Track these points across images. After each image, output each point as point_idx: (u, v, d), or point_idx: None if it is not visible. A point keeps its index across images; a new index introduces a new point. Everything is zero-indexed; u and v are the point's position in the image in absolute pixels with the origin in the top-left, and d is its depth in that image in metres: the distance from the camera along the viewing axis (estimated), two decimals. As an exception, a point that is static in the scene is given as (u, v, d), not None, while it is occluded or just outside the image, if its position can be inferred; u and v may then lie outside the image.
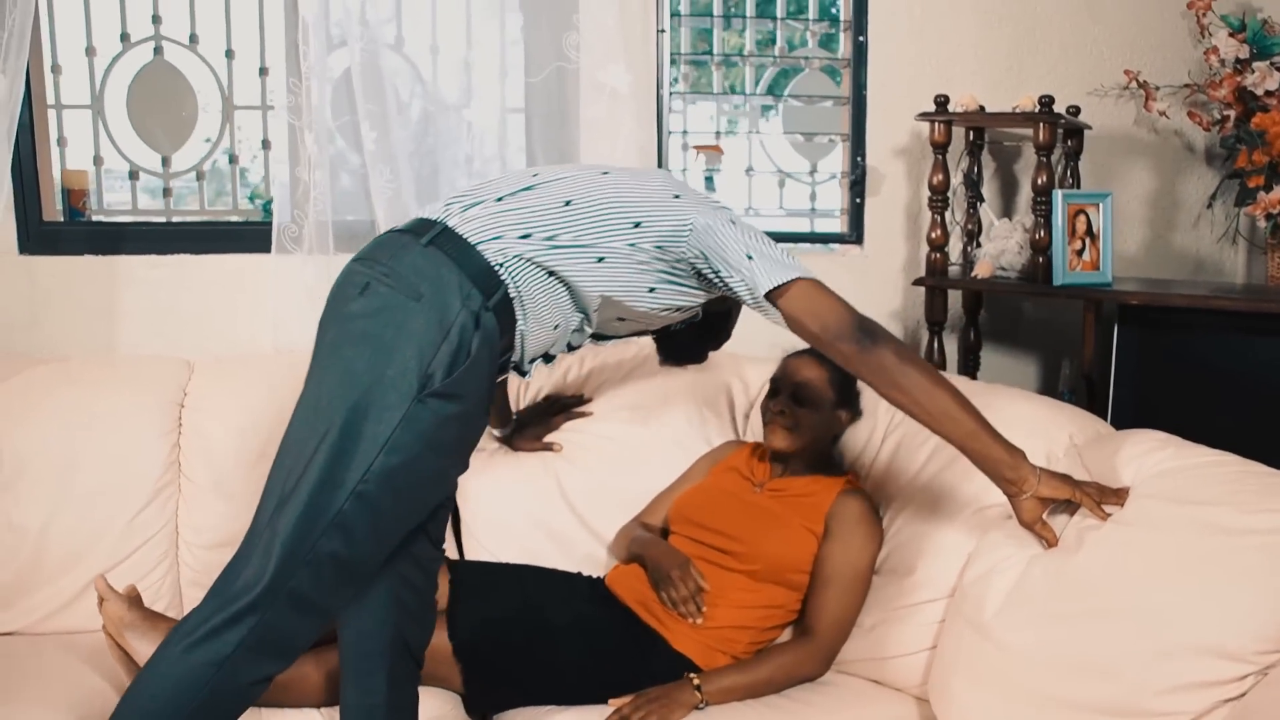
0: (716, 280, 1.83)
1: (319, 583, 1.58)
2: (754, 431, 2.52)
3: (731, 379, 2.62)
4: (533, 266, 1.72)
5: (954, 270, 2.99)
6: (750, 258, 1.79)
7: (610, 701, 2.00)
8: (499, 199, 1.79)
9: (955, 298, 3.07)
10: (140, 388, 2.44)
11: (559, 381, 2.62)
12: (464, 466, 1.80)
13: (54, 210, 2.81)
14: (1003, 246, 2.86)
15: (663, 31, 2.96)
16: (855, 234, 3.12)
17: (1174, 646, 1.56)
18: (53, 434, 2.33)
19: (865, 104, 3.07)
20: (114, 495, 2.33)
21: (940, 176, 2.86)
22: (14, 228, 2.69)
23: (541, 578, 2.29)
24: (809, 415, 2.24)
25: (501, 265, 1.70)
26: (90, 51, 2.82)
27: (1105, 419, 2.59)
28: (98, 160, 2.87)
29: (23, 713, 1.87)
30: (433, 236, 1.70)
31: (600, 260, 1.78)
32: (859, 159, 3.09)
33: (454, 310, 1.62)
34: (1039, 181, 2.72)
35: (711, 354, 2.58)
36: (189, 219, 2.97)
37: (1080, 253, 2.72)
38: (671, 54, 3.02)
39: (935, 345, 2.95)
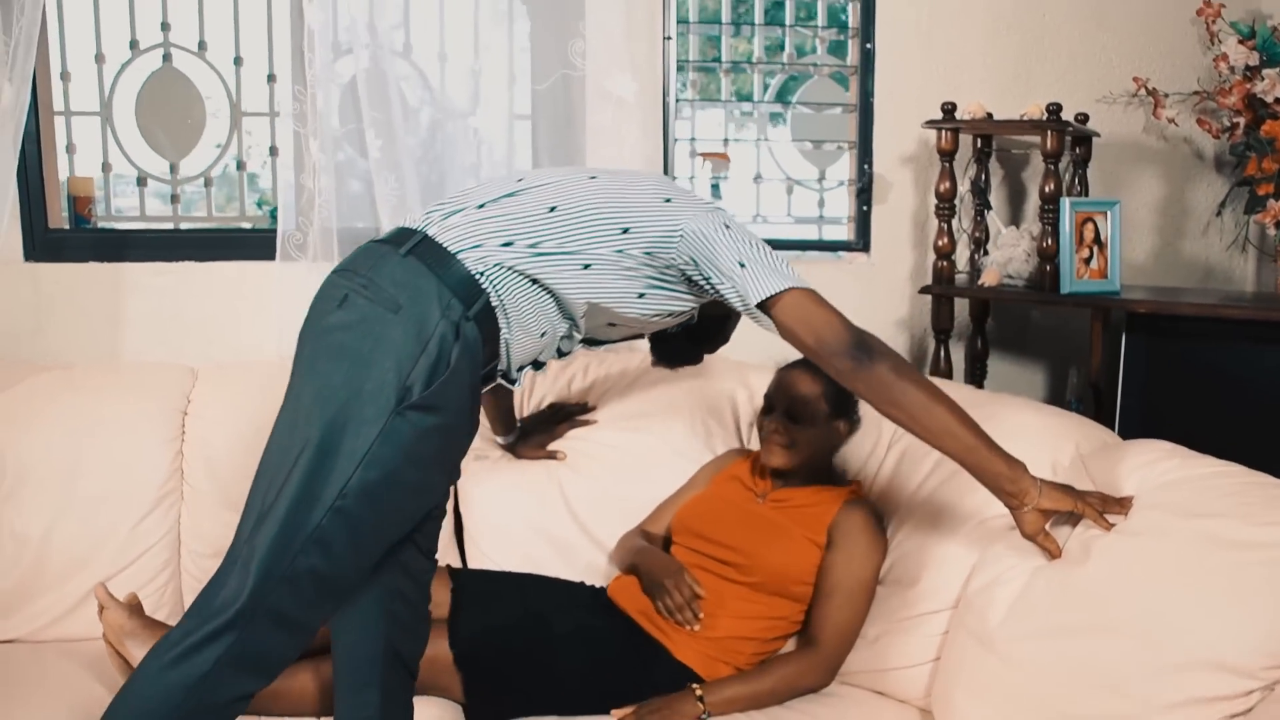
0: (707, 287, 1.81)
1: (298, 599, 1.56)
2: (758, 440, 2.50)
3: (736, 387, 2.61)
4: (515, 275, 1.70)
5: (961, 278, 2.98)
6: (743, 265, 1.76)
7: (612, 712, 2.00)
8: (480, 206, 1.77)
9: (962, 306, 3.05)
10: (144, 395, 2.44)
11: (563, 390, 2.61)
12: (453, 476, 1.78)
13: (59, 217, 2.82)
14: (1010, 254, 2.84)
15: (669, 39, 2.96)
16: (862, 241, 3.11)
17: (1179, 661, 1.55)
18: (56, 441, 2.33)
19: (872, 111, 3.06)
20: (116, 503, 2.32)
21: (947, 184, 2.85)
22: (19, 235, 2.70)
23: (543, 587, 2.28)
24: (805, 432, 2.21)
25: (482, 274, 1.67)
26: (99, 58, 2.83)
27: (1113, 428, 2.59)
28: (106, 167, 2.88)
29: (23, 720, 1.86)
30: (412, 246, 1.68)
31: (586, 267, 1.75)
32: (866, 166, 3.08)
33: (433, 321, 1.60)
34: (1047, 189, 2.71)
35: (716, 362, 2.58)
36: (195, 226, 2.97)
37: (1088, 261, 2.70)
38: (679, 61, 3.02)
39: (942, 353, 2.94)
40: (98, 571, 2.26)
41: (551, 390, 2.60)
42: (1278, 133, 2.72)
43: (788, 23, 3.15)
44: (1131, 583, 1.66)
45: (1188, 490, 1.77)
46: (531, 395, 2.59)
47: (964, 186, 2.98)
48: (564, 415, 2.54)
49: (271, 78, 2.88)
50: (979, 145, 3.00)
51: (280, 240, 2.65)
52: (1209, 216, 3.19)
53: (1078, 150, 2.96)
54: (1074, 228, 2.67)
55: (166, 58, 2.88)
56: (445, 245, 1.68)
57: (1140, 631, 1.60)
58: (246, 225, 2.99)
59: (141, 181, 2.91)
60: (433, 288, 1.62)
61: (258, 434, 2.33)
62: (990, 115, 2.83)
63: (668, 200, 1.83)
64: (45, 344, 2.71)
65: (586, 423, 2.53)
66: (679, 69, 3.03)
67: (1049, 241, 2.70)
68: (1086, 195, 2.96)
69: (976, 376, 3.04)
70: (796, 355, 2.14)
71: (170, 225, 2.96)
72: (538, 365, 1.85)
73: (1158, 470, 1.84)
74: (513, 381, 1.81)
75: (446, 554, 2.41)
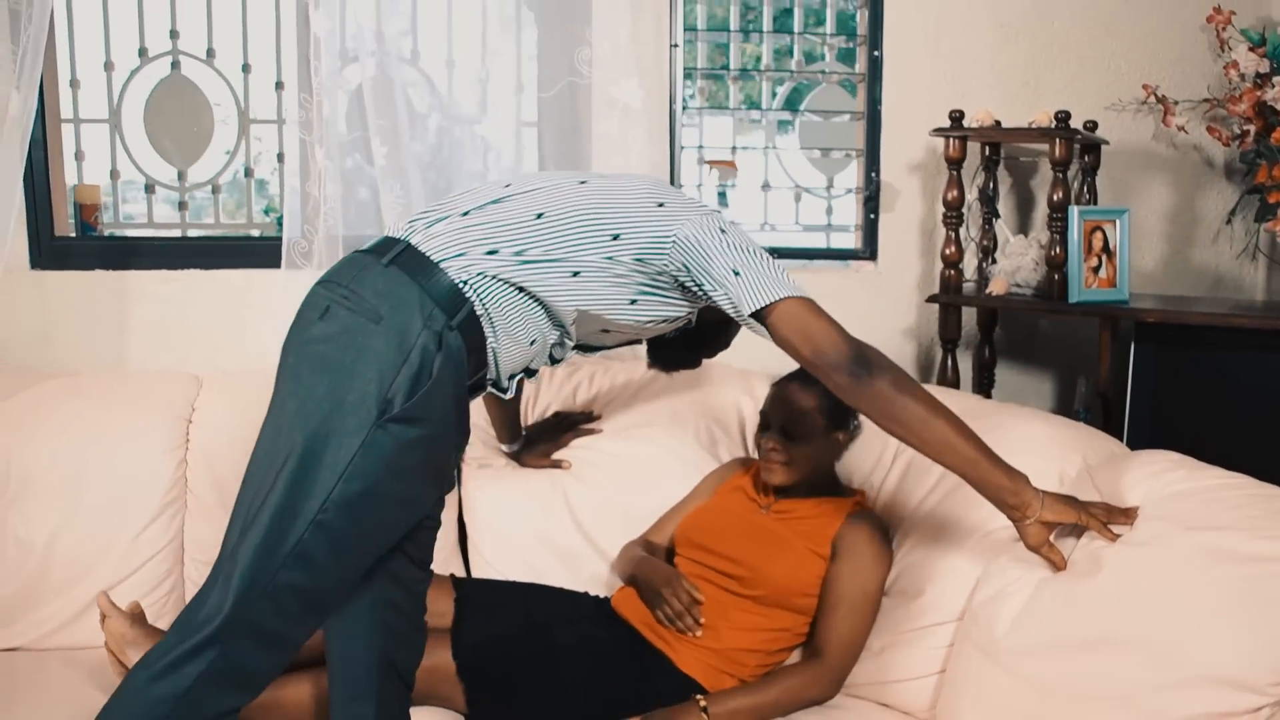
0: (700, 294, 1.78)
1: (281, 614, 1.55)
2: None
3: (741, 396, 2.60)
4: (500, 284, 1.68)
5: (969, 287, 2.96)
6: (737, 273, 1.73)
7: (616, 723, 1.99)
8: (465, 214, 1.74)
9: (970, 315, 3.04)
10: (148, 403, 2.44)
11: (568, 399, 2.60)
12: (443, 487, 1.76)
13: (66, 225, 2.83)
14: (1018, 263, 2.83)
15: (675, 46, 2.96)
16: (869, 250, 3.10)
17: (1187, 676, 1.53)
18: (60, 449, 2.33)
19: (880, 119, 3.05)
20: (120, 511, 2.32)
21: (955, 192, 2.84)
22: (26, 242, 2.70)
23: (547, 596, 2.27)
24: (802, 448, 2.19)
25: (466, 283, 1.65)
26: (109, 66, 2.84)
27: (1121, 438, 2.57)
28: (114, 174, 2.89)
29: (25, 729, 1.86)
30: (394, 256, 1.66)
31: (575, 274, 1.73)
32: (873, 174, 3.07)
33: (415, 331, 1.58)
34: (1055, 197, 2.69)
35: (721, 371, 2.57)
36: (202, 234, 2.98)
37: (1097, 270, 2.69)
38: (687, 68, 3.01)
39: (949, 363, 2.92)
40: (101, 579, 2.26)
41: (556, 399, 2.59)
42: (1288, 141, 2.70)
43: (796, 30, 3.14)
44: (1138, 596, 1.64)
45: (1194, 502, 1.75)
46: (536, 404, 2.58)
47: (972, 194, 2.97)
48: (569, 424, 2.53)
49: (279, 85, 2.88)
50: (987, 153, 2.98)
51: (285, 248, 2.65)
52: (1219, 224, 3.17)
53: (1086, 158, 2.95)
54: (1082, 236, 2.66)
55: (175, 65, 2.89)
56: (428, 254, 1.66)
57: (1147, 646, 1.59)
58: (255, 233, 2.99)
59: (150, 188, 2.91)
60: (415, 297, 1.60)
61: (262, 443, 2.35)
62: (998, 123, 2.81)
63: (661, 205, 1.80)
64: (51, 351, 2.71)
65: (592, 432, 2.52)
66: (687, 76, 3.02)
67: (1057, 250, 2.69)
68: (1095, 203, 2.94)
69: (984, 386, 3.02)
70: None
71: (178, 232, 2.96)
72: (530, 373, 1.83)
73: (1164, 481, 1.83)
74: (504, 390, 1.78)
75: (450, 563, 2.41)
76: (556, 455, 2.49)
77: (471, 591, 2.21)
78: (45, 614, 2.26)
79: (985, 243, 3.01)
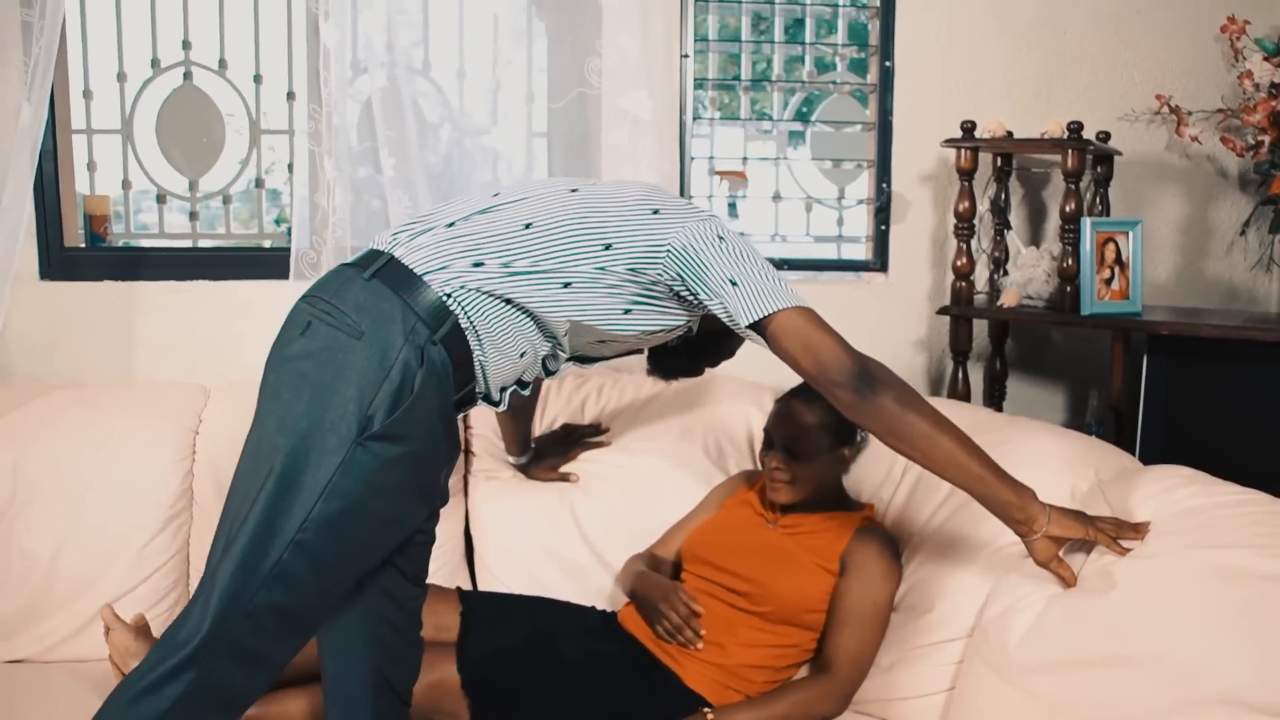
0: (697, 304, 1.74)
1: (261, 634, 1.51)
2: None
3: (750, 409, 2.58)
4: (487, 297, 1.63)
5: (980, 299, 2.95)
6: (734, 283, 1.69)
7: (621, 739, 1.98)
8: (450, 224, 1.70)
9: (981, 327, 3.02)
10: (155, 414, 2.44)
11: (576, 412, 2.59)
12: (433, 502, 1.72)
13: (76, 236, 2.84)
14: (1030, 275, 2.81)
15: (686, 56, 2.95)
16: (880, 261, 3.09)
17: (1199, 697, 1.50)
18: (67, 459, 2.33)
19: (891, 129, 3.04)
20: (126, 522, 2.32)
21: (966, 203, 2.83)
22: (35, 253, 2.71)
23: (553, 610, 2.25)
24: (807, 467, 2.17)
25: (450, 296, 1.61)
26: (121, 77, 2.85)
27: (1133, 451, 2.55)
28: (126, 184, 2.90)
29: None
30: (377, 269, 1.62)
31: (566, 285, 1.68)
32: (884, 185, 3.06)
33: (396, 347, 1.54)
34: (1067, 209, 2.68)
35: (729, 383, 2.56)
36: (212, 244, 2.99)
37: (1109, 281, 2.67)
38: (697, 79, 3.01)
39: (960, 375, 2.91)
40: (106, 592, 2.25)
41: (564, 412, 2.59)
42: (1303, 151, 2.68)
43: (807, 40, 3.13)
44: (1150, 614, 1.62)
45: (1207, 518, 1.73)
46: (544, 416, 2.57)
47: (983, 206, 2.95)
48: (577, 437, 2.52)
49: (290, 95, 2.89)
50: (999, 164, 2.97)
51: (294, 259, 2.65)
52: (1233, 236, 3.14)
53: (1099, 169, 2.93)
54: (1095, 248, 2.64)
55: (187, 76, 2.90)
56: (411, 267, 1.62)
57: (1159, 665, 1.56)
58: (266, 243, 2.99)
59: (161, 199, 2.92)
60: (397, 312, 1.57)
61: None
62: (1010, 134, 2.80)
63: (655, 212, 1.75)
64: (59, 362, 2.72)
65: (600, 444, 2.51)
66: (698, 86, 3.02)
67: (1069, 262, 2.67)
68: (1108, 214, 2.93)
69: (995, 398, 3.00)
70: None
71: (188, 242, 2.97)
72: (523, 385, 1.79)
73: (1176, 497, 1.81)
74: (495, 403, 1.74)
75: (456, 575, 2.40)
76: (564, 468, 2.47)
77: (477, 605, 2.20)
78: (50, 626, 2.26)
79: (997, 254, 2.99)
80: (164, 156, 2.91)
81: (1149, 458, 2.44)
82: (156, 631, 2.13)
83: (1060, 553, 1.76)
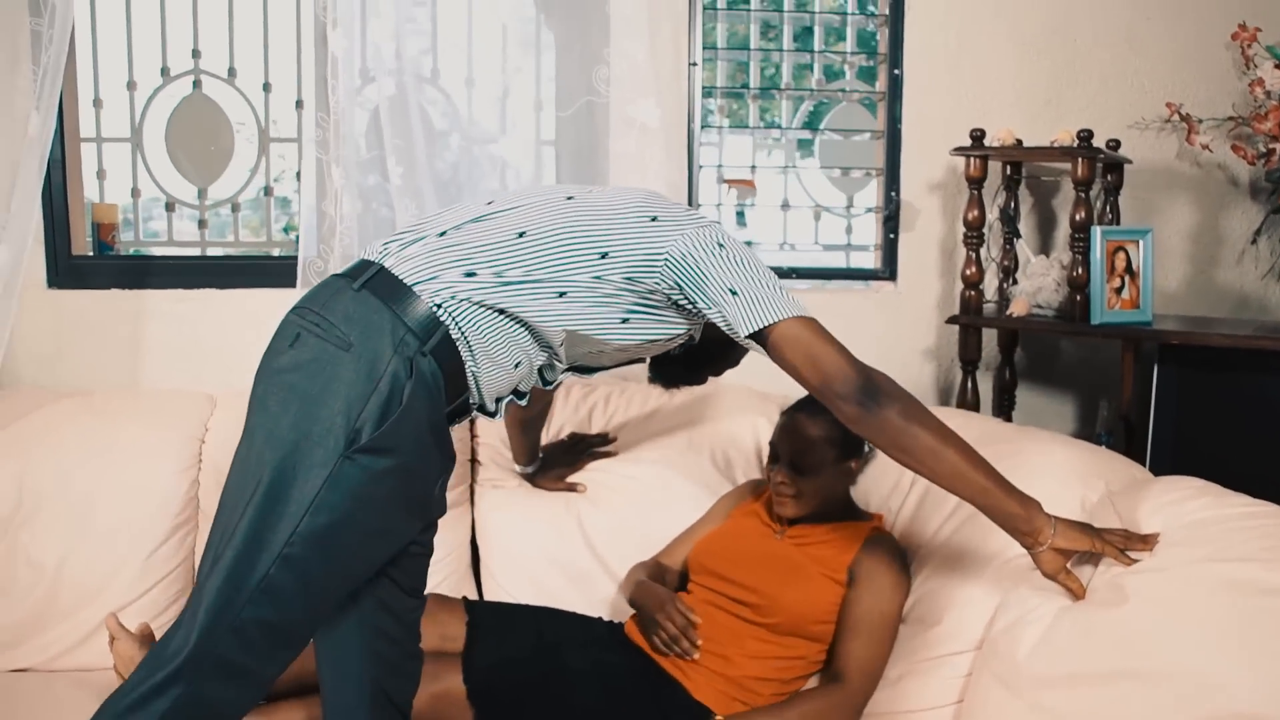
0: (696, 313, 1.72)
1: (248, 649, 1.49)
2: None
3: (757, 419, 2.57)
4: (478, 307, 1.60)
5: (989, 308, 2.93)
6: (734, 293, 1.65)
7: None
8: (442, 234, 1.67)
9: (990, 336, 3.01)
10: (162, 422, 2.44)
11: (583, 421, 2.59)
12: (426, 514, 1.70)
13: (84, 244, 2.84)
14: (1039, 284, 2.80)
15: (694, 65, 2.95)
16: (889, 270, 3.08)
17: (1210, 713, 1.48)
18: (73, 468, 2.33)
19: (900, 138, 3.03)
20: (132, 531, 2.31)
21: (976, 212, 2.82)
22: (43, 261, 2.72)
23: (560, 620, 2.24)
24: (812, 481, 2.15)
25: (440, 306, 1.58)
26: (131, 85, 2.86)
27: (1144, 462, 2.54)
28: (135, 192, 2.90)
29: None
30: (366, 280, 1.59)
31: (561, 295, 1.64)
32: (893, 194, 3.05)
33: (385, 359, 1.52)
34: (1077, 217, 2.66)
35: (737, 393, 2.54)
36: (219, 253, 2.99)
37: (1119, 290, 2.65)
38: (706, 87, 3.00)
39: (969, 384, 2.89)
40: (111, 601, 2.25)
41: (571, 421, 2.58)
42: (1315, 160, 2.67)
43: (816, 48, 3.13)
44: (1160, 628, 1.60)
45: (1218, 531, 1.71)
46: (551, 425, 2.56)
47: (993, 214, 2.94)
48: (585, 446, 2.51)
49: (299, 104, 2.89)
50: (1008, 172, 2.96)
51: (301, 267, 2.66)
52: (1244, 244, 3.13)
53: (1109, 177, 2.92)
54: (1105, 257, 2.63)
55: (197, 84, 2.91)
56: (401, 277, 1.59)
57: (1170, 680, 1.54)
58: (275, 251, 3.00)
59: (170, 207, 2.93)
60: (386, 323, 1.55)
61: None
62: (1020, 142, 2.79)
63: (654, 219, 1.72)
64: (66, 370, 2.72)
65: (608, 454, 2.50)
66: (706, 94, 3.01)
67: (1079, 271, 2.66)
68: (1118, 223, 2.91)
69: (1004, 408, 2.99)
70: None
71: (197, 250, 2.97)
72: (519, 395, 1.77)
73: (1186, 509, 1.79)
74: (491, 414, 1.72)
75: (463, 585, 2.40)
76: (571, 478, 2.47)
77: (483, 615, 2.19)
78: (55, 635, 2.26)
79: (1006, 263, 2.98)
80: (173, 164, 2.91)
81: (1159, 468, 2.42)
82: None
83: (1068, 565, 1.75)
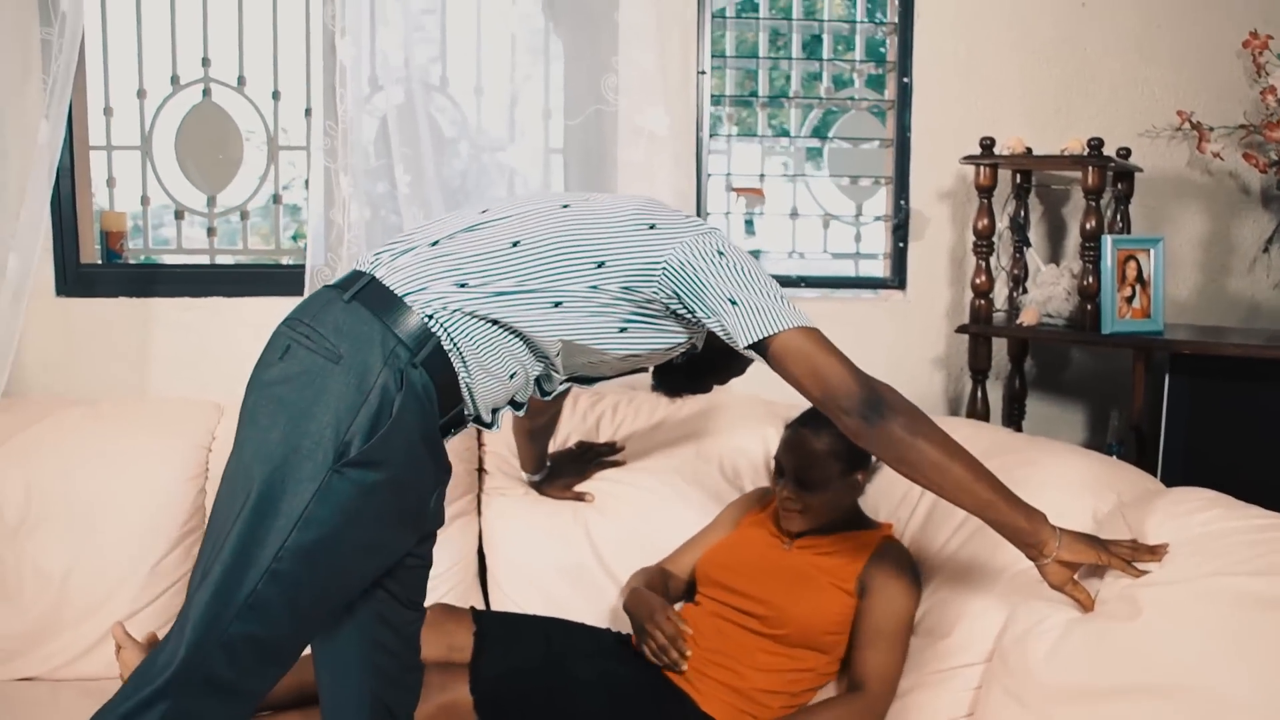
0: (695, 322, 1.69)
1: (236, 665, 1.47)
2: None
3: (767, 429, 2.55)
4: (470, 318, 1.58)
5: (999, 317, 2.92)
6: (734, 303, 1.63)
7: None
8: (434, 243, 1.64)
9: (1000, 345, 3.00)
10: (169, 431, 2.44)
11: (591, 430, 2.58)
12: (423, 527, 1.67)
13: (92, 252, 2.85)
14: (1050, 293, 2.78)
15: (703, 73, 2.94)
16: (898, 279, 3.07)
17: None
18: (80, 476, 2.33)
19: (909, 146, 3.03)
20: (139, 540, 2.31)
21: (985, 221, 2.80)
22: (52, 269, 2.72)
23: (567, 631, 2.23)
24: (819, 496, 2.14)
25: (432, 317, 1.55)
26: (141, 93, 2.87)
27: (1155, 472, 2.52)
28: (145, 200, 2.91)
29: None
30: (356, 291, 1.57)
31: (557, 305, 1.62)
32: (903, 202, 3.04)
33: (375, 370, 1.49)
34: (1088, 226, 2.65)
35: (746, 403, 2.53)
36: (227, 261, 2.99)
37: (1130, 300, 2.64)
38: (714, 95, 3.00)
39: (979, 394, 2.88)
40: (117, 610, 2.25)
41: (579, 430, 2.57)
42: (1327, 168, 2.65)
43: (825, 56, 3.12)
44: (1172, 642, 1.59)
45: (1231, 543, 1.70)
46: (558, 434, 2.55)
47: (1002, 223, 2.93)
48: (593, 456, 2.50)
49: (308, 112, 2.89)
50: (1018, 180, 2.95)
51: (309, 275, 2.66)
52: (1255, 253, 3.11)
53: (1120, 185, 2.90)
54: (1116, 265, 2.61)
55: (206, 92, 2.91)
56: (392, 288, 1.57)
57: (1183, 695, 1.53)
58: (284, 259, 3.00)
59: (179, 214, 2.93)
60: (376, 335, 1.52)
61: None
62: (1030, 150, 2.78)
63: (651, 227, 1.68)
64: (74, 378, 2.73)
65: (616, 464, 2.49)
66: (715, 102, 3.01)
67: (1090, 280, 2.64)
68: (1129, 232, 2.90)
69: (1014, 418, 2.97)
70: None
71: (206, 258, 2.98)
72: (517, 405, 1.74)
73: (1198, 520, 1.77)
74: (488, 425, 1.70)
75: (470, 595, 2.39)
76: (580, 487, 2.46)
77: (491, 625, 2.18)
78: (61, 644, 2.26)
79: (1016, 272, 2.97)
80: (182, 172, 2.91)
81: (1171, 479, 2.40)
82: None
83: (1076, 576, 1.73)
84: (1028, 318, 2.77)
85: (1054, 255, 3.10)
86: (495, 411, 1.69)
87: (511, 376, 1.65)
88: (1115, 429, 3.11)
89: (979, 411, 2.87)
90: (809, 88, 3.14)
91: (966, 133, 2.87)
